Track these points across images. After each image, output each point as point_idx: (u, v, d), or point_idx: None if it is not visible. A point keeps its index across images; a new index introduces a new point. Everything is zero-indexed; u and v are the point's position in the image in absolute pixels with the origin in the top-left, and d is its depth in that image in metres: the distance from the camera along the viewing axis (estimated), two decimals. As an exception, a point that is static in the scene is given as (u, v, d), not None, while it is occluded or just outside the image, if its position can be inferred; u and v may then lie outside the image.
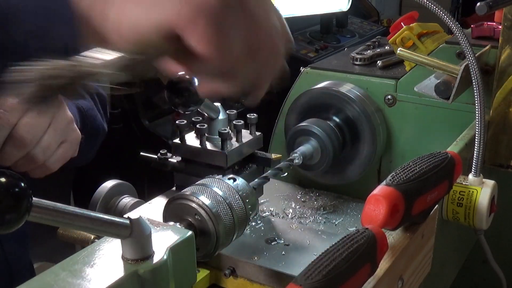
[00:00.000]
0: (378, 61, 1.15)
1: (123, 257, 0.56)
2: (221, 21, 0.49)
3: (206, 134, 0.93)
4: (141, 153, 0.98)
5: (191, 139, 0.94)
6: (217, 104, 0.94)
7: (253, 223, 0.94)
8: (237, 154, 0.93)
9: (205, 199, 0.73)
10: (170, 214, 0.75)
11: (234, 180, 0.78)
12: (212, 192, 0.74)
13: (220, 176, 0.79)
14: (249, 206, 0.77)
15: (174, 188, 0.99)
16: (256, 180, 0.86)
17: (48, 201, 0.50)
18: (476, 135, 0.90)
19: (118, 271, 0.55)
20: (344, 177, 1.10)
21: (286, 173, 0.93)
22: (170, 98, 0.84)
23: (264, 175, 0.88)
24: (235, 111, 0.96)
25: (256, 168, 0.98)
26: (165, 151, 0.97)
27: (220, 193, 0.75)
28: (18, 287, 0.53)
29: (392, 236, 0.71)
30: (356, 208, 1.07)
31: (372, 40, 1.29)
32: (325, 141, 1.01)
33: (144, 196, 1.01)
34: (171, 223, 0.73)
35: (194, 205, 0.73)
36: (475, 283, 1.37)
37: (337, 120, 1.07)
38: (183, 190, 0.76)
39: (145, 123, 2.13)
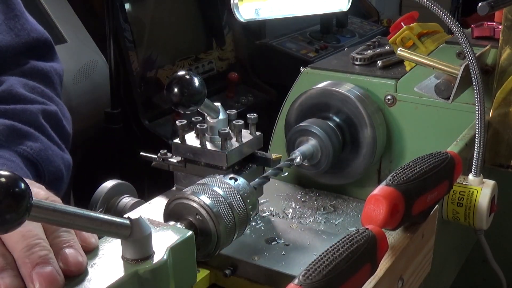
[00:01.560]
0: (378, 61, 1.15)
1: (123, 257, 0.56)
2: None
3: (206, 134, 0.93)
4: (141, 153, 0.98)
5: (191, 139, 0.94)
6: (217, 104, 0.94)
7: (253, 223, 0.93)
8: (237, 154, 0.93)
9: (206, 199, 0.73)
10: (170, 214, 0.76)
11: (235, 180, 0.78)
12: (213, 192, 0.75)
13: (221, 176, 0.79)
14: (250, 206, 0.78)
15: (174, 188, 0.99)
16: (256, 179, 0.86)
17: (48, 201, 0.50)
18: (476, 135, 0.90)
19: (118, 271, 0.55)
20: (344, 177, 1.10)
21: (286, 173, 0.93)
22: (170, 98, 0.84)
23: (264, 174, 0.88)
24: (235, 111, 0.96)
25: (256, 168, 0.98)
26: (165, 151, 0.96)
27: (221, 192, 0.75)
28: (19, 288, 0.53)
29: (392, 236, 0.71)
30: (356, 208, 1.07)
31: (372, 40, 1.29)
32: (325, 141, 1.01)
33: (144, 196, 1.01)
34: (172, 222, 0.73)
35: (195, 204, 0.73)
36: (475, 283, 1.37)
37: (337, 120, 1.07)
38: (184, 190, 0.76)
39: (145, 123, 2.13)
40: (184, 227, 0.72)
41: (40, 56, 1.03)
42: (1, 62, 0.95)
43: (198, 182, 0.78)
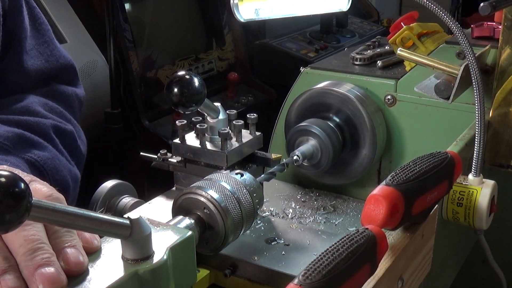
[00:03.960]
0: (378, 61, 1.15)
1: (123, 257, 0.56)
2: None
3: (206, 134, 0.93)
4: (141, 153, 0.98)
5: (191, 139, 0.94)
6: (217, 104, 0.94)
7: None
8: (237, 154, 0.93)
9: (213, 193, 0.74)
10: (179, 208, 0.77)
11: (242, 175, 0.79)
12: (221, 187, 0.76)
13: (228, 171, 0.80)
14: (257, 201, 0.79)
15: (174, 188, 0.99)
16: (262, 175, 0.88)
17: (48, 201, 0.50)
18: (476, 135, 0.90)
19: (118, 271, 0.55)
20: (344, 177, 1.10)
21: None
22: (170, 98, 0.84)
23: (270, 170, 0.90)
24: (235, 111, 0.96)
25: (256, 168, 0.98)
26: (165, 151, 0.97)
27: (228, 187, 0.76)
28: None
29: (392, 236, 0.71)
30: (356, 208, 1.07)
31: (372, 40, 1.29)
32: (325, 141, 1.01)
33: (144, 196, 1.01)
34: (180, 216, 0.73)
35: (203, 199, 0.74)
36: (475, 283, 1.37)
37: (337, 120, 1.07)
38: (192, 185, 0.77)
39: (145, 123, 2.13)
40: (193, 221, 0.73)
41: (64, 81, 1.06)
42: (27, 84, 0.98)
43: (205, 178, 0.79)
